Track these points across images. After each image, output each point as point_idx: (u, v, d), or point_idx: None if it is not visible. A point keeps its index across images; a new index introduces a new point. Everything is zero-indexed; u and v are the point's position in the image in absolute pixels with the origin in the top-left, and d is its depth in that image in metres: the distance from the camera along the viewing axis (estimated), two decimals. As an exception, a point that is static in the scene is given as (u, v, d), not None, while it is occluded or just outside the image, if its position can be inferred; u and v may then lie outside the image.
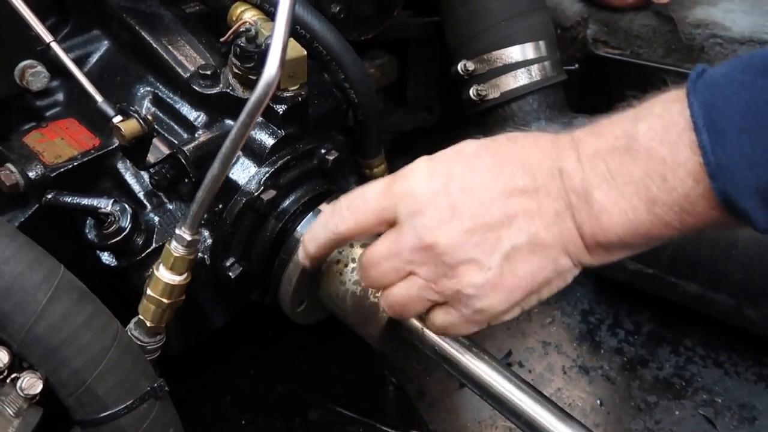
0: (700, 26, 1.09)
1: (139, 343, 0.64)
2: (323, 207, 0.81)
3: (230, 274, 0.81)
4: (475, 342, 0.77)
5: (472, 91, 1.06)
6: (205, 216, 0.81)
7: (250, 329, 1.03)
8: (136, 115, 0.66)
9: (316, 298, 0.83)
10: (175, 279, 0.62)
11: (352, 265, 0.79)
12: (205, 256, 0.82)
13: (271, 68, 0.55)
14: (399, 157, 1.43)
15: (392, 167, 1.37)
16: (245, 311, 0.94)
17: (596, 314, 1.04)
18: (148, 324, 0.64)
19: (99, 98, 0.68)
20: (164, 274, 0.62)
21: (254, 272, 0.84)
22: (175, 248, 0.61)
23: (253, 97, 0.54)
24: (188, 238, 0.61)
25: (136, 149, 0.69)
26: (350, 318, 0.79)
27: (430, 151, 1.44)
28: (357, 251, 0.80)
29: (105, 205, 0.70)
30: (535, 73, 1.04)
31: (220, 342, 0.98)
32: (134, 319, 0.65)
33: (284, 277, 0.79)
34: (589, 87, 1.18)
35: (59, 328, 0.54)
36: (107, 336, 0.58)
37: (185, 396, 0.97)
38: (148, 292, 0.63)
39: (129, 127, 0.66)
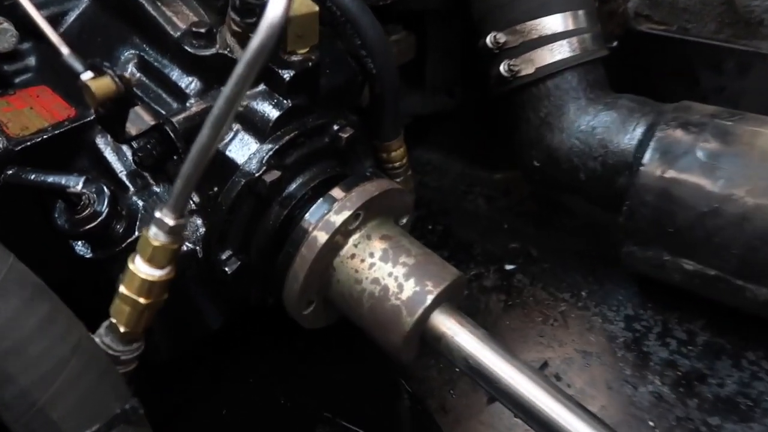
0: (760, -4, 0.96)
1: (110, 352, 0.52)
2: (334, 192, 0.69)
3: (226, 269, 0.69)
4: (513, 353, 0.65)
5: (502, 67, 0.94)
6: (197, 200, 0.70)
7: (249, 331, 0.91)
8: (110, 72, 0.54)
9: (326, 298, 0.71)
10: (154, 274, 0.50)
11: (369, 261, 0.67)
12: (197, 248, 0.70)
13: (275, 6, 0.43)
14: (415, 145, 1.32)
15: (409, 156, 1.25)
16: (244, 311, 0.82)
17: (642, 320, 0.92)
18: (122, 329, 0.52)
19: (65, 50, 0.56)
20: (141, 267, 0.50)
21: (254, 267, 0.72)
22: (155, 235, 0.49)
23: (253, 43, 0.42)
24: (171, 222, 0.49)
25: (112, 116, 0.57)
26: (367, 322, 0.67)
27: (450, 139, 1.33)
28: (376, 244, 0.68)
29: (75, 183, 0.58)
30: (574, 46, 0.92)
31: (214, 346, 0.86)
32: (105, 323, 0.53)
33: (290, 274, 0.67)
34: (630, 68, 1.06)
35: (3, 335, 0.42)
36: (67, 344, 0.46)
37: (171, 410, 0.86)
38: (122, 289, 0.51)
39: (101, 85, 0.54)
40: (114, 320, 0.52)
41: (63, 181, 0.58)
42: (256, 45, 0.43)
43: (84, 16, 0.74)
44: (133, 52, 0.71)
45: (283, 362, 0.90)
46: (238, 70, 0.44)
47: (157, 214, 0.49)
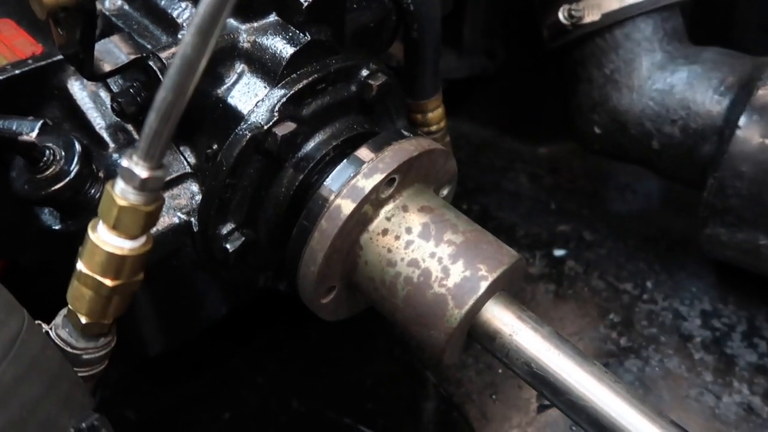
0: None
1: (67, 350, 0.39)
2: (362, 153, 0.55)
3: (227, 246, 0.56)
4: (588, 357, 0.51)
5: (561, 14, 0.79)
6: (193, 161, 0.57)
7: (258, 320, 0.78)
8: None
9: (351, 283, 0.57)
10: (123, 246, 0.37)
11: (406, 237, 0.53)
12: (192, 219, 0.56)
13: None
14: (448, 114, 1.17)
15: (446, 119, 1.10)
16: (253, 296, 0.69)
17: (723, 317, 0.77)
18: (83, 320, 0.38)
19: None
20: (105, 236, 0.37)
21: (262, 244, 0.59)
22: (122, 192, 0.36)
23: None
24: (143, 174, 0.35)
25: (74, 44, 0.43)
26: (402, 314, 0.53)
27: (487, 108, 1.17)
28: (414, 217, 0.54)
29: (29, 130, 0.45)
30: (650, -13, 0.76)
31: (219, 339, 0.73)
32: (62, 312, 0.40)
33: (305, 254, 0.53)
34: (706, 19, 0.90)
35: None
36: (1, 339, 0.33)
37: (169, 413, 0.73)
38: (81, 267, 0.38)
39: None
40: (72, 307, 0.39)
41: (14, 127, 0.45)
42: None
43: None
44: (114, -26, 0.57)
45: (297, 359, 0.77)
46: None
47: (125, 163, 0.35)
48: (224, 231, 0.56)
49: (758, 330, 0.75)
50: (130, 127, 0.56)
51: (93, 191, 0.53)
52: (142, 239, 0.38)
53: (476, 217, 0.98)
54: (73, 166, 0.50)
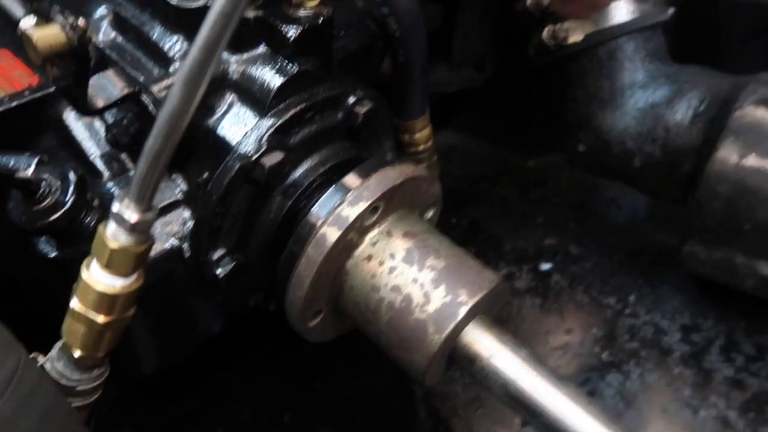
0: None
1: (62, 382, 0.41)
2: (348, 180, 0.57)
3: (218, 271, 0.58)
4: (563, 380, 0.53)
5: (545, 33, 0.80)
6: (185, 188, 0.58)
7: (250, 336, 0.80)
8: (61, 20, 0.42)
9: (337, 307, 0.59)
10: (115, 284, 0.39)
11: (390, 263, 0.55)
12: (184, 245, 0.58)
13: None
14: (438, 128, 1.18)
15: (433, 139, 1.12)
16: (246, 314, 0.71)
17: (703, 331, 0.79)
18: (77, 353, 0.40)
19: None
20: (98, 275, 0.39)
21: (253, 268, 0.61)
22: (114, 235, 0.38)
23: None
24: (133, 218, 0.37)
25: (68, 79, 0.45)
26: (385, 338, 0.56)
27: (477, 120, 1.19)
28: (397, 243, 0.56)
29: (25, 166, 0.46)
30: (632, 8, 0.78)
31: (212, 355, 0.75)
32: (57, 345, 0.42)
33: (293, 279, 0.55)
34: (690, 35, 0.92)
35: None
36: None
37: (164, 429, 0.75)
38: (74, 304, 0.39)
39: (45, 36, 0.42)
40: (67, 341, 0.41)
41: (11, 164, 0.47)
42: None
43: (51, -35, 0.62)
44: (107, 7, 0.59)
45: (289, 374, 0.79)
46: (215, 10, 0.31)
47: (116, 207, 0.37)
48: (215, 256, 0.58)
49: (736, 344, 0.77)
50: (123, 155, 0.58)
51: (88, 219, 0.55)
52: (134, 276, 0.40)
53: (465, 230, 1.00)
54: (68, 197, 0.52)
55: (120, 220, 0.37)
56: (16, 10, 0.44)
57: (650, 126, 0.76)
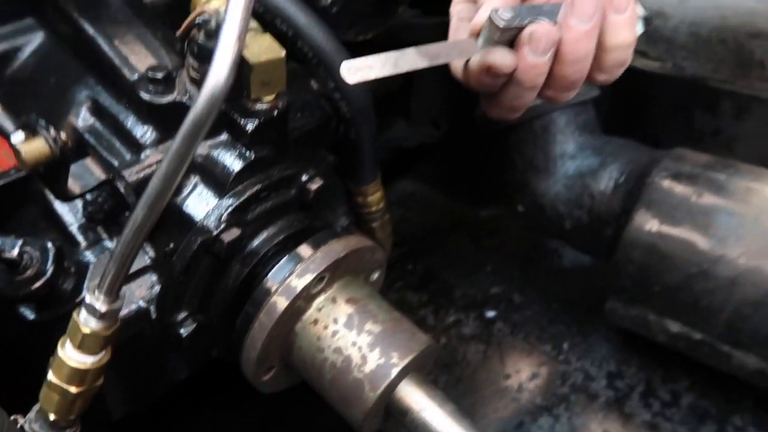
0: (759, 37, 0.92)
1: (39, 441, 0.48)
2: (299, 251, 0.64)
3: (181, 331, 0.65)
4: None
5: (487, 107, 0.89)
6: (153, 255, 0.65)
7: (216, 380, 0.86)
8: (45, 134, 0.50)
9: (288, 363, 0.66)
10: (86, 361, 0.46)
11: (333, 327, 0.63)
12: (151, 308, 0.65)
13: (218, 73, 0.39)
14: (399, 177, 1.27)
15: (391, 189, 1.20)
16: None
17: (626, 378, 0.88)
18: (52, 417, 0.47)
19: (-4, 109, 0.51)
20: (71, 354, 0.46)
21: (214, 327, 0.68)
22: (86, 321, 0.45)
23: (190, 116, 0.38)
24: (103, 309, 0.44)
25: (49, 176, 0.52)
26: (328, 394, 0.63)
27: (436, 171, 1.28)
28: (341, 308, 0.64)
29: (10, 248, 0.53)
30: (563, 87, 0.87)
31: (179, 397, 0.81)
32: (35, 407, 0.48)
33: (248, 340, 0.63)
34: (622, 107, 1.02)
35: None
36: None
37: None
38: (51, 377, 0.46)
39: (32, 149, 0.49)
40: (43, 406, 0.47)
41: (-3, 245, 0.53)
42: (193, 118, 0.38)
43: (38, 53, 0.69)
44: (87, 94, 0.66)
45: (253, 415, 0.86)
46: (175, 143, 0.39)
47: (88, 298, 0.44)
48: (179, 318, 0.65)
49: (654, 391, 0.86)
50: (99, 227, 0.65)
51: (65, 285, 0.61)
52: (102, 353, 0.47)
53: (420, 277, 1.09)
54: (48, 267, 0.58)
55: (91, 309, 0.44)
56: (6, 123, 0.51)
57: (578, 193, 0.85)
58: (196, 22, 0.55)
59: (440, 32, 1.02)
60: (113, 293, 0.44)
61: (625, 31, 0.55)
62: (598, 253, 0.86)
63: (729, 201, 0.75)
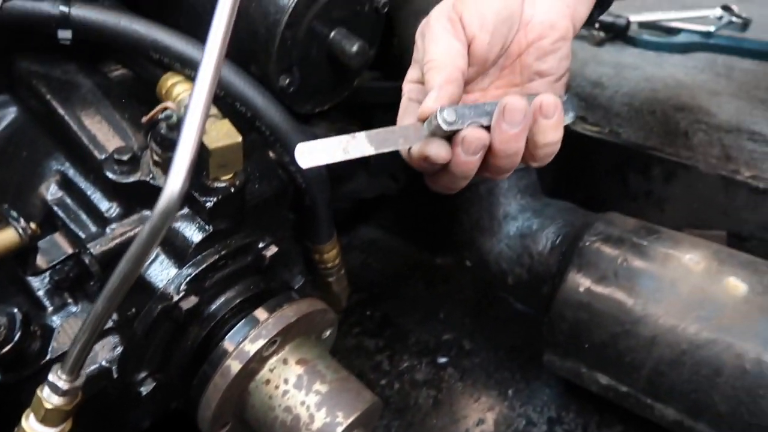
0: (684, 110, 1.01)
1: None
2: (256, 314, 0.70)
3: (141, 390, 0.69)
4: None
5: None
6: (116, 318, 0.70)
7: (180, 426, 0.90)
8: (16, 224, 0.55)
9: (242, 419, 0.71)
10: (48, 433, 0.50)
11: (284, 387, 0.68)
12: (113, 368, 0.69)
13: (173, 185, 0.45)
14: (361, 223, 1.33)
15: (353, 235, 1.26)
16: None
17: (564, 424, 0.94)
18: (16, 482, 0.51)
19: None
20: (34, 426, 0.50)
21: (173, 384, 0.72)
22: (48, 397, 0.49)
23: (146, 227, 0.43)
24: (65, 387, 0.49)
25: (18, 257, 0.57)
26: (279, 450, 0.68)
27: (395, 219, 1.35)
28: (292, 369, 0.69)
29: (-20, 319, 0.58)
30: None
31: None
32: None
33: (203, 400, 0.67)
34: (564, 167, 1.10)
35: None
36: None
37: None
38: (14, 447, 0.51)
39: (3, 239, 0.54)
40: (7, 471, 0.52)
41: (-32, 320, 0.58)
42: (149, 230, 0.44)
43: (12, 128, 0.74)
44: (57, 168, 0.71)
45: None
46: (131, 250, 0.45)
47: (51, 377, 0.49)
48: (139, 377, 0.69)
49: (590, 436, 0.92)
50: (64, 292, 0.70)
51: (31, 348, 0.66)
52: (63, 424, 0.51)
53: (377, 323, 1.14)
54: (15, 333, 0.63)
55: (54, 387, 0.49)
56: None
57: (519, 252, 0.92)
58: (159, 117, 0.61)
59: (398, 94, 1.09)
60: (75, 372, 0.49)
61: (552, 133, 0.61)
62: (538, 308, 0.93)
63: (650, 265, 0.82)
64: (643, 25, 1.26)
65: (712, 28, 1.21)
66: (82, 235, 0.67)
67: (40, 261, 0.61)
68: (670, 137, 1.01)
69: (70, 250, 0.64)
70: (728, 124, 0.97)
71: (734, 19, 1.24)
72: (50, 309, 0.69)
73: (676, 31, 1.22)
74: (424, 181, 0.70)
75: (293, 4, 0.72)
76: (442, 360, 1.05)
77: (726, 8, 1.26)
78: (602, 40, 1.22)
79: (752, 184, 0.94)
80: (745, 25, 1.24)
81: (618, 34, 1.21)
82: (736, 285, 0.77)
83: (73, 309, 0.69)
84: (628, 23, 1.21)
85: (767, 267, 0.79)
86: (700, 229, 1.01)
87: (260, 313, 0.70)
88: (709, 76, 1.10)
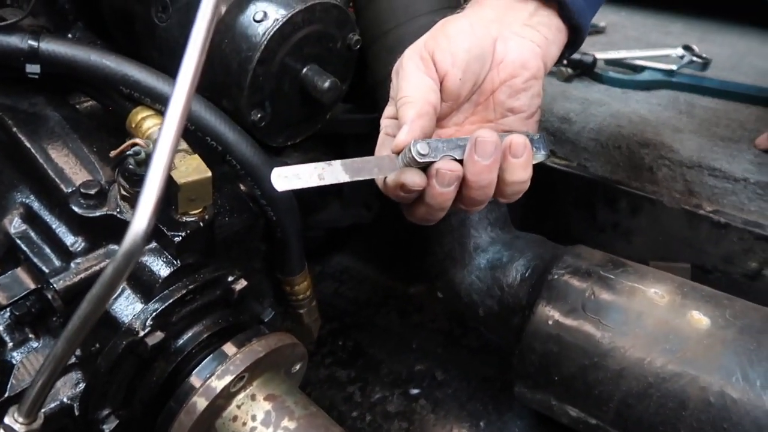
0: (648, 146, 1.04)
1: None
2: (227, 348, 0.69)
3: (104, 428, 0.67)
4: None
5: (408, 203, 0.97)
6: (79, 353, 0.69)
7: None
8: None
9: (208, 457, 0.70)
10: (2, 478, 0.49)
11: (251, 424, 0.67)
12: (75, 404, 0.68)
13: (137, 226, 0.44)
14: (333, 253, 1.33)
15: (326, 263, 1.26)
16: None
17: (535, 455, 0.95)
18: None
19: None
20: (-12, 471, 0.48)
21: (136, 421, 0.71)
22: (4, 442, 0.48)
23: (110, 268, 0.43)
24: (21, 429, 0.48)
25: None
26: (244, 488, 0.66)
27: (369, 247, 1.35)
28: (260, 405, 0.68)
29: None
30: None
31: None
32: None
33: (168, 438, 0.66)
34: (534, 200, 1.12)
35: None
36: None
37: None
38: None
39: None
40: None
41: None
42: (111, 271, 0.43)
43: (-24, 159, 0.73)
44: (22, 201, 0.70)
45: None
46: (94, 290, 0.44)
47: (7, 419, 0.48)
48: (101, 415, 0.68)
49: (562, 468, 0.92)
50: (25, 328, 0.68)
51: (-10, 383, 0.64)
52: (18, 468, 0.50)
53: (349, 354, 1.14)
54: (-29, 371, 0.61)
55: (10, 430, 0.48)
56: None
57: (490, 284, 0.93)
58: (128, 152, 0.61)
59: (371, 126, 1.11)
60: (32, 415, 0.48)
61: (521, 171, 0.62)
62: (508, 339, 0.93)
63: (617, 298, 0.83)
64: (609, 62, 1.30)
65: (674, 67, 1.25)
66: (46, 270, 0.66)
67: (1, 297, 0.60)
68: (635, 172, 1.04)
69: (32, 285, 0.63)
70: (690, 161, 1.00)
71: (695, 58, 1.29)
72: (10, 345, 0.67)
73: (641, 69, 1.26)
74: (402, 212, 0.71)
75: (265, 41, 0.73)
76: (415, 391, 1.04)
77: (687, 48, 1.31)
78: (570, 76, 1.25)
79: (714, 218, 0.96)
80: (705, 64, 1.29)
81: (585, 70, 1.25)
82: (699, 319, 0.78)
83: (35, 345, 0.68)
84: (595, 60, 1.25)
85: (728, 300, 0.81)
86: (666, 261, 1.03)
87: (228, 348, 0.69)
88: (672, 113, 1.14)
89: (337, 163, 0.59)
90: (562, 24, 0.67)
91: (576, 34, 0.69)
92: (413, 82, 0.63)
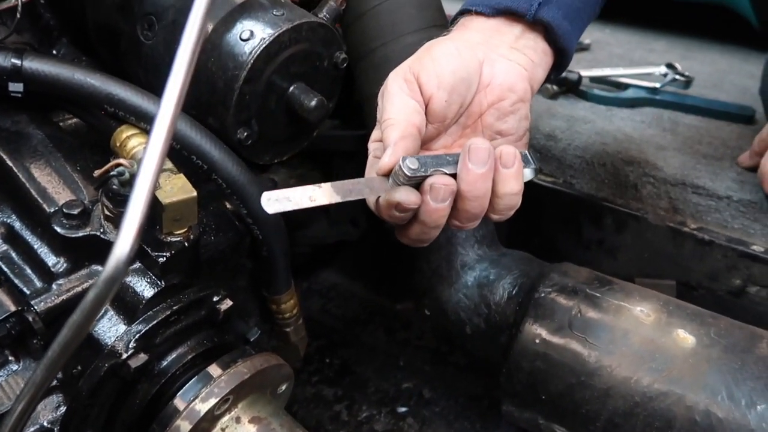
0: (633, 163, 1.05)
1: None
2: (212, 370, 0.68)
3: (83, 453, 0.66)
4: None
5: (395, 220, 0.97)
6: (60, 376, 0.67)
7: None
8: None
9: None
10: None
11: (236, 447, 0.66)
12: (55, 429, 0.66)
13: (120, 251, 0.44)
14: (320, 269, 1.33)
15: (313, 280, 1.25)
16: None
17: (523, 473, 0.94)
18: None
19: None
20: (-37, 503, 0.47)
21: (119, 445, 0.69)
22: (-21, 472, 0.47)
23: (91, 294, 0.42)
24: (-1, 459, 0.46)
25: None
26: None
27: (355, 264, 1.35)
28: (244, 428, 0.67)
29: None
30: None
31: None
32: None
33: (150, 463, 0.65)
34: (520, 216, 1.12)
35: None
36: None
37: None
38: None
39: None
40: None
41: None
42: (93, 297, 0.43)
43: (-44, 177, 0.72)
44: (2, 220, 0.69)
45: None
46: (75, 316, 0.43)
47: (-17, 449, 0.47)
48: (82, 439, 0.67)
49: (548, 486, 0.92)
50: (5, 350, 0.67)
51: (-34, 409, 0.62)
52: (-5, 500, 0.49)
53: (336, 372, 1.13)
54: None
55: (-15, 459, 0.46)
56: None
57: (477, 302, 0.93)
58: (112, 173, 0.60)
59: (358, 143, 1.11)
60: (10, 443, 0.47)
61: (512, 182, 0.62)
62: (496, 360, 0.93)
63: (604, 316, 0.84)
64: (594, 80, 1.31)
65: (658, 85, 1.27)
66: (27, 291, 0.65)
67: (-20, 321, 0.59)
68: (620, 189, 1.05)
69: (12, 308, 0.62)
70: (674, 178, 1.01)
71: (678, 76, 1.31)
72: (-11, 368, 0.66)
73: (625, 87, 1.28)
74: (395, 235, 0.70)
75: (252, 60, 0.73)
76: (402, 409, 1.04)
77: (670, 66, 1.33)
78: (556, 93, 1.27)
79: (698, 235, 0.97)
80: (688, 82, 1.31)
81: (570, 87, 1.27)
82: (685, 337, 0.79)
83: (14, 367, 0.66)
84: (580, 78, 1.27)
85: (713, 319, 0.82)
86: (651, 278, 1.03)
87: (213, 370, 0.68)
88: (656, 130, 1.15)
89: (327, 185, 0.59)
90: (548, 47, 0.68)
91: (562, 56, 0.70)
92: (397, 104, 0.63)
